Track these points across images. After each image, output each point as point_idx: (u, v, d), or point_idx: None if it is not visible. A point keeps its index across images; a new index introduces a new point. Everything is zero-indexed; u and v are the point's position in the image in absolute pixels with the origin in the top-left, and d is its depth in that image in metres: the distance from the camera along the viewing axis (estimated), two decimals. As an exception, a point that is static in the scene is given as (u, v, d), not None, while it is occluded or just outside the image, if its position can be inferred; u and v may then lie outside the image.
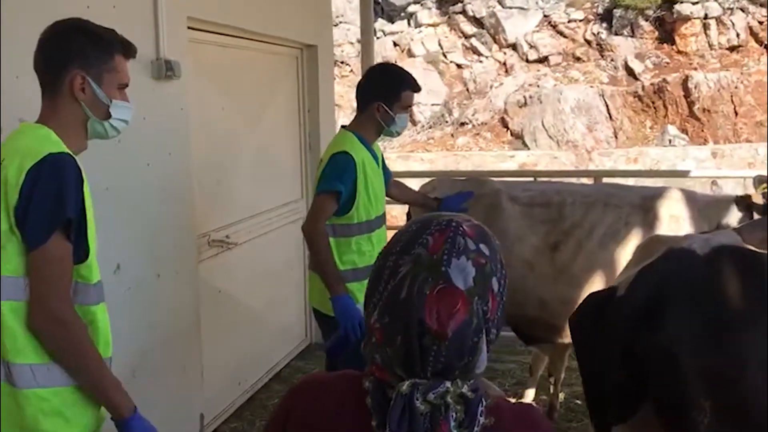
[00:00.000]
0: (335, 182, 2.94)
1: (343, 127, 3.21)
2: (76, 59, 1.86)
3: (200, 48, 3.74)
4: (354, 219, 3.03)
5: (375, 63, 5.03)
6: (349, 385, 1.15)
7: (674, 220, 3.62)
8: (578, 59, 15.70)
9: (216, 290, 3.95)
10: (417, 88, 3.20)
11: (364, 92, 3.16)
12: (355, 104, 3.26)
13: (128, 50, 1.97)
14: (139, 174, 3.13)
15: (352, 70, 15.86)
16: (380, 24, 17.51)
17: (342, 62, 16.64)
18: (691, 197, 3.73)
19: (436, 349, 1.07)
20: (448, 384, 1.06)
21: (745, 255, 2.14)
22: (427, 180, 4.25)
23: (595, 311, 2.23)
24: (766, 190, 3.58)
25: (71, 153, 1.81)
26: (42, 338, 1.75)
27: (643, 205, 3.64)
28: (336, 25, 16.77)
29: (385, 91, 3.10)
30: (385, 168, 3.36)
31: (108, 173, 2.93)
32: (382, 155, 3.37)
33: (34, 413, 1.75)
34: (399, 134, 3.28)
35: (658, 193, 3.70)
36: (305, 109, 5.03)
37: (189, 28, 3.49)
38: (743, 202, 3.66)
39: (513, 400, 1.23)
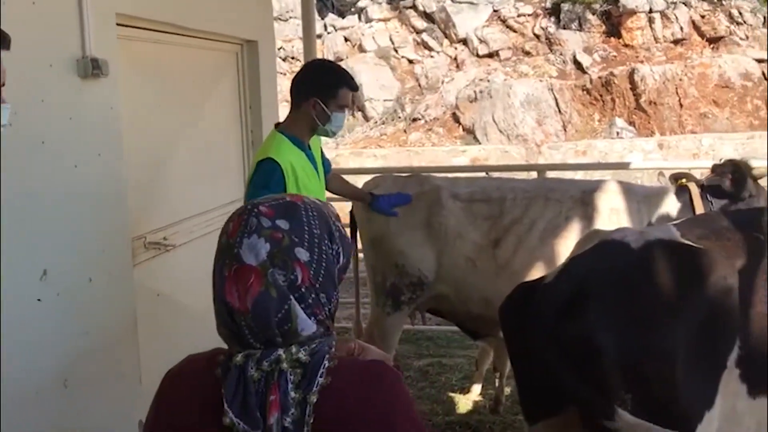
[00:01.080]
0: (263, 191, 2.83)
1: (276, 125, 3.13)
2: None
3: (132, 45, 3.63)
4: None
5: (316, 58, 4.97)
6: (210, 360, 1.24)
7: (614, 212, 3.64)
8: (528, 53, 15.84)
9: (154, 293, 3.85)
10: (354, 87, 3.14)
11: (300, 87, 3.06)
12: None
13: (1, 42, 1.68)
14: (66, 176, 3.01)
15: (303, 66, 15.71)
16: (330, 19, 17.42)
17: (293, 58, 16.49)
18: (629, 189, 3.76)
19: (246, 324, 1.17)
20: (280, 352, 1.16)
21: (680, 250, 2.14)
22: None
23: (521, 300, 2.21)
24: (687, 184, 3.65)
25: None
26: None
27: (583, 199, 3.65)
28: (286, 20, 16.64)
29: (323, 86, 3.01)
30: (324, 161, 3.29)
31: (31, 176, 2.82)
32: (321, 149, 3.30)
33: None
34: (334, 135, 3.17)
35: (597, 187, 3.72)
36: (247, 105, 4.93)
37: (118, 24, 3.38)
38: (682, 193, 3.71)
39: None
